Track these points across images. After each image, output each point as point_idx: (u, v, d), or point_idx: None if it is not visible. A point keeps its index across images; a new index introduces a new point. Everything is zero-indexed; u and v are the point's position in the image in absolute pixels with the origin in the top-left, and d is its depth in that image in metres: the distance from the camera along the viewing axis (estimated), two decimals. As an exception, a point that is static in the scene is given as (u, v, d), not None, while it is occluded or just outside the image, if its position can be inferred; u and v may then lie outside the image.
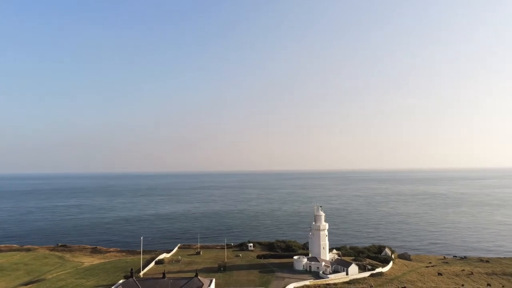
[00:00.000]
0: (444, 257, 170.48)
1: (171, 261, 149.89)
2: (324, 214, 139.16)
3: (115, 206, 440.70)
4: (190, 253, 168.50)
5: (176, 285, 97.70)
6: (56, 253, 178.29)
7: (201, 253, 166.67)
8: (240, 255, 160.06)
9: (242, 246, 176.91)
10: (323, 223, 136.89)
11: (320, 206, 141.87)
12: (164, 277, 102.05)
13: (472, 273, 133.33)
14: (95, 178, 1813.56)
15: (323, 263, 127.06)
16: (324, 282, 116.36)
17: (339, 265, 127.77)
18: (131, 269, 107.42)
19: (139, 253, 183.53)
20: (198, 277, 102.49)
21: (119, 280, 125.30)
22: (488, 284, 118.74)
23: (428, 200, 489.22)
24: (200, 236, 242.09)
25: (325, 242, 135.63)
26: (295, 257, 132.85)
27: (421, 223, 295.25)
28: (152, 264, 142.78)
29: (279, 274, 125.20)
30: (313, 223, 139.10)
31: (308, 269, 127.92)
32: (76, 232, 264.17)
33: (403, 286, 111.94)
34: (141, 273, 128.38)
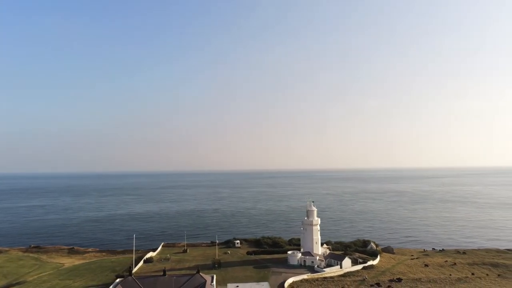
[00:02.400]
0: (424, 250, 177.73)
1: (160, 259, 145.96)
2: (316, 209, 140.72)
3: (83, 206, 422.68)
4: (176, 251, 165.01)
5: (178, 282, 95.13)
6: (31, 254, 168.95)
7: (187, 251, 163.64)
8: (229, 252, 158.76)
9: (228, 244, 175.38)
10: (316, 218, 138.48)
11: (312, 201, 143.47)
12: (164, 274, 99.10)
13: (455, 263, 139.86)
14: (57, 178, 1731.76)
15: (317, 257, 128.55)
16: (321, 276, 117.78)
17: (332, 259, 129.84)
18: (130, 268, 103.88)
19: (121, 252, 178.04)
20: (200, 273, 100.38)
21: (109, 280, 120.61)
22: (472, 273, 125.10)
23: (395, 197, 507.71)
24: (179, 234, 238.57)
25: (317, 236, 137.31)
26: (289, 252, 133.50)
27: (393, 219, 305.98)
28: (141, 263, 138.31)
29: (275, 269, 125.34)
30: (305, 218, 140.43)
31: (302, 264, 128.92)
32: (45, 233, 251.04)
33: (397, 277, 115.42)
34: (133, 271, 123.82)
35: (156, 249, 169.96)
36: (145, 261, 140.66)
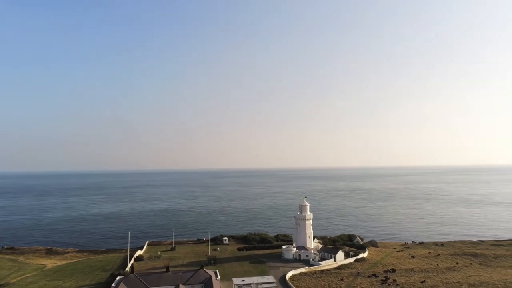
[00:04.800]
0: (406, 243, 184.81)
1: (151, 257, 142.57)
2: (309, 204, 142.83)
3: (50, 206, 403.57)
4: (163, 249, 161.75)
5: (183, 278, 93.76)
6: (6, 256, 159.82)
7: (176, 249, 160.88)
8: (218, 249, 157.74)
9: (216, 241, 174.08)
10: (309, 212, 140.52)
11: (305, 197, 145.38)
12: (168, 270, 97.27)
13: (438, 254, 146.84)
14: (11, 178, 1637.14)
15: (312, 251, 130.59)
16: (318, 269, 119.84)
17: (326, 253, 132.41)
18: (131, 265, 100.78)
19: (104, 252, 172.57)
20: (204, 269, 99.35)
21: (101, 279, 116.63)
22: (457, 263, 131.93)
23: (364, 195, 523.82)
24: (159, 233, 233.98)
25: (310, 231, 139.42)
26: (284, 247, 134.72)
27: (367, 215, 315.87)
28: (132, 261, 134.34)
29: (271, 264, 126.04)
30: (298, 213, 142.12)
31: (297, 258, 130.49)
32: (13, 235, 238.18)
33: (391, 268, 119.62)
34: (126, 269, 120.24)
35: (142, 247, 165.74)
36: (135, 259, 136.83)
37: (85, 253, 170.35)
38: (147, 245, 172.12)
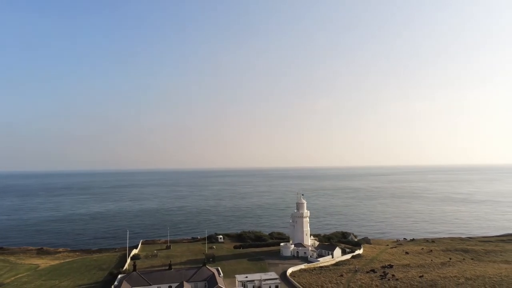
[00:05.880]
0: (397, 239, 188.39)
1: (147, 256, 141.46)
2: (306, 202, 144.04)
3: (36, 206, 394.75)
4: (158, 248, 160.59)
5: (186, 275, 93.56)
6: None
7: (171, 247, 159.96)
8: (214, 247, 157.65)
9: (211, 239, 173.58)
10: (305, 210, 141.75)
11: (302, 195, 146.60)
12: (170, 268, 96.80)
13: (431, 250, 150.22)
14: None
15: (310, 248, 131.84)
16: (317, 266, 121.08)
17: (323, 249, 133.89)
18: (134, 263, 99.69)
19: (97, 251, 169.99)
20: (206, 266, 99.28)
21: (99, 278, 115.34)
22: (450, 258, 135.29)
23: (351, 193, 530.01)
24: (149, 232, 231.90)
25: (307, 228, 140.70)
26: (282, 244, 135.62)
27: (356, 213, 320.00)
28: (128, 260, 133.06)
29: (270, 261, 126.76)
30: (295, 210, 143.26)
31: (295, 255, 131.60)
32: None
33: (388, 264, 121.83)
34: (125, 267, 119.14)
35: (136, 246, 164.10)
36: (132, 258, 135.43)
37: (77, 253, 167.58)
38: (141, 244, 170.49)
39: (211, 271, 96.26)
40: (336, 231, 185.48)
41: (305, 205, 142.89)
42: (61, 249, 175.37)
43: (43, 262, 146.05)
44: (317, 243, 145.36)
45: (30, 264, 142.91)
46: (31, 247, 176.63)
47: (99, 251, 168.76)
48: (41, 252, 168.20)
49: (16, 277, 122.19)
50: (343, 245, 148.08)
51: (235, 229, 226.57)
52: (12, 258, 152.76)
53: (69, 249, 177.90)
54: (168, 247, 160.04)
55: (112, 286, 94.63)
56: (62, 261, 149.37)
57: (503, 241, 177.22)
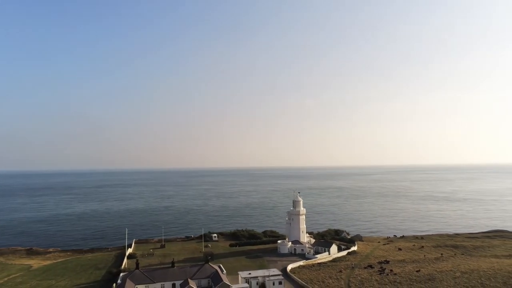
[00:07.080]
0: (388, 237, 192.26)
1: (144, 255, 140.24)
2: (302, 200, 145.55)
3: (18, 207, 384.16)
4: (152, 247, 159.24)
5: (190, 272, 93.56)
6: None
7: (165, 246, 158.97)
8: (209, 245, 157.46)
9: (205, 237, 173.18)
10: (302, 208, 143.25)
11: (299, 192, 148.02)
12: (173, 266, 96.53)
13: (422, 246, 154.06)
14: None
15: (307, 245, 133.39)
16: (315, 262, 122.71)
17: (320, 246, 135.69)
18: (137, 260, 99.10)
19: (90, 251, 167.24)
20: (209, 263, 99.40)
21: (97, 277, 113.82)
22: (441, 254, 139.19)
23: (337, 193, 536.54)
24: (139, 232, 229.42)
25: (303, 226, 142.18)
26: (279, 241, 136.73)
27: (343, 212, 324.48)
28: (125, 259, 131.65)
29: (268, 258, 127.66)
30: (292, 208, 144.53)
31: (293, 252, 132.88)
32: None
33: (384, 260, 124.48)
34: (123, 266, 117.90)
35: (130, 245, 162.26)
36: (128, 257, 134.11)
37: (68, 253, 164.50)
38: (135, 243, 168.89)
39: (214, 268, 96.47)
40: (329, 229, 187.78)
41: (301, 202, 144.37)
42: (51, 249, 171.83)
43: (35, 262, 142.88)
44: (312, 240, 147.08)
45: (22, 264, 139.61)
46: (20, 248, 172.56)
47: (92, 250, 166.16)
48: (30, 253, 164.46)
49: (9, 277, 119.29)
50: (338, 242, 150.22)
51: (227, 228, 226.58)
52: (1, 259, 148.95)
53: (59, 249, 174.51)
54: (162, 246, 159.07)
55: (114, 285, 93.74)
56: (54, 261, 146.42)
57: (489, 237, 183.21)
